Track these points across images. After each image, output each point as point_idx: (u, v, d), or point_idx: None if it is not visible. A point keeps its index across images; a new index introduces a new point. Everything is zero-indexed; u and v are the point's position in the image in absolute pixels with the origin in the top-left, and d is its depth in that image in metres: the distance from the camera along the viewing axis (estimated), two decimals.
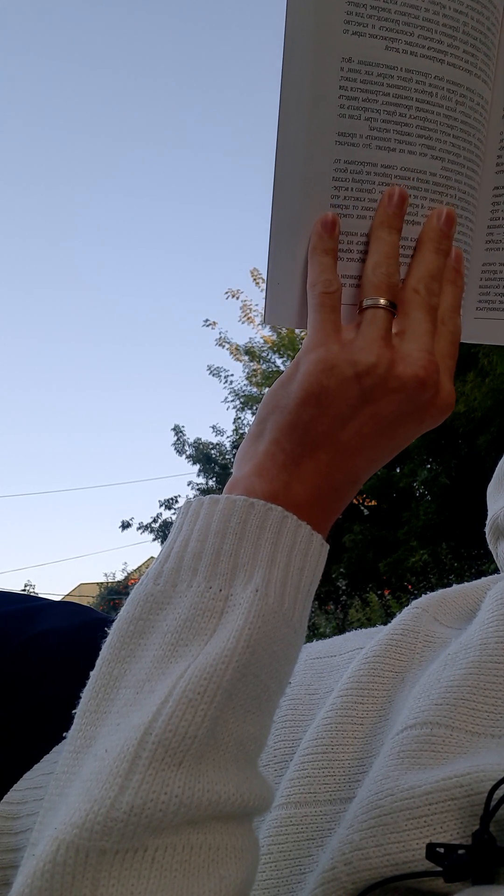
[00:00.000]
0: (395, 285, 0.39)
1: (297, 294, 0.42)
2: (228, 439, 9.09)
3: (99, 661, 0.33)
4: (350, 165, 0.39)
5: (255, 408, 8.78)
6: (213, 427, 9.17)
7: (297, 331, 8.53)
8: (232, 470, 0.40)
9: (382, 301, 0.38)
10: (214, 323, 8.89)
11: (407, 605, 0.53)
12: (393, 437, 0.38)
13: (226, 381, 8.86)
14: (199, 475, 9.18)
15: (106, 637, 0.34)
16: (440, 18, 0.38)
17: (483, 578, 0.55)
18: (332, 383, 0.37)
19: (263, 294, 0.43)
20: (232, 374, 8.93)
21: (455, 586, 0.55)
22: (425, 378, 0.37)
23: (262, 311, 0.43)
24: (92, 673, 0.32)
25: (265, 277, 0.42)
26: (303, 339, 8.65)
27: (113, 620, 0.34)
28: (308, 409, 0.37)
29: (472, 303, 0.46)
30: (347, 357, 0.37)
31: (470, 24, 0.39)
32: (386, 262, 0.39)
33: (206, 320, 8.91)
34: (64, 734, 0.31)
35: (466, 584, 0.55)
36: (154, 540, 9.34)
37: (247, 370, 8.86)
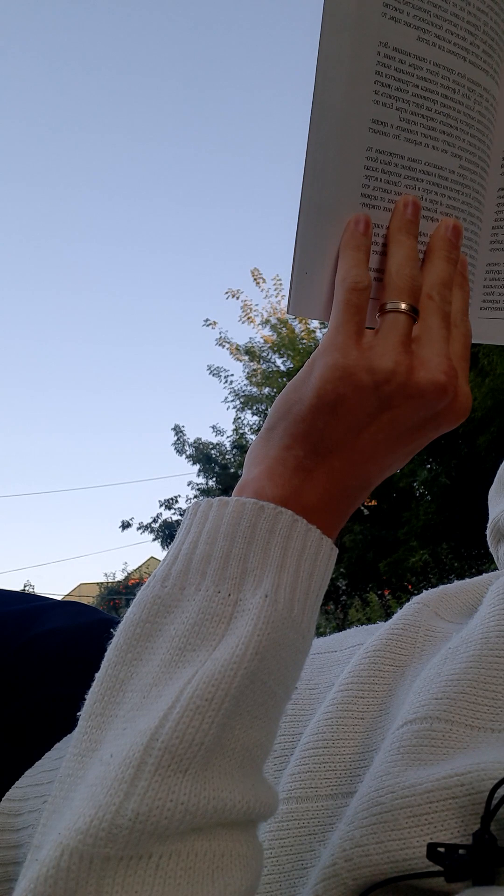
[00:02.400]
0: (419, 289, 0.39)
1: (325, 286, 0.40)
2: (228, 439, 9.10)
3: (104, 664, 0.32)
4: (381, 155, 0.39)
5: (255, 408, 8.79)
6: (213, 427, 9.19)
7: (297, 330, 8.53)
8: (232, 470, 0.40)
9: (404, 305, 0.38)
10: (214, 323, 8.91)
11: (408, 602, 0.53)
12: (409, 442, 0.38)
13: (226, 381, 8.88)
14: (199, 475, 9.19)
15: (111, 638, 0.33)
16: (465, 15, 0.38)
17: (484, 574, 0.55)
18: (350, 391, 0.36)
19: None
20: (232, 374, 8.97)
21: (456, 582, 0.55)
22: (446, 384, 0.36)
23: (287, 300, 0.41)
24: (97, 675, 0.32)
25: (291, 265, 0.40)
26: (303, 338, 8.62)
27: (117, 621, 0.34)
28: (322, 417, 0.36)
29: (477, 303, 0.46)
30: (366, 364, 0.36)
31: (489, 25, 0.39)
32: (408, 264, 0.39)
33: (206, 320, 8.94)
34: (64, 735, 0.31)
35: (467, 580, 0.55)
36: (154, 540, 9.35)
37: (247, 370, 8.86)
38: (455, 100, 0.39)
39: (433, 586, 0.55)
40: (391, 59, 0.37)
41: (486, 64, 0.39)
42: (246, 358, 8.84)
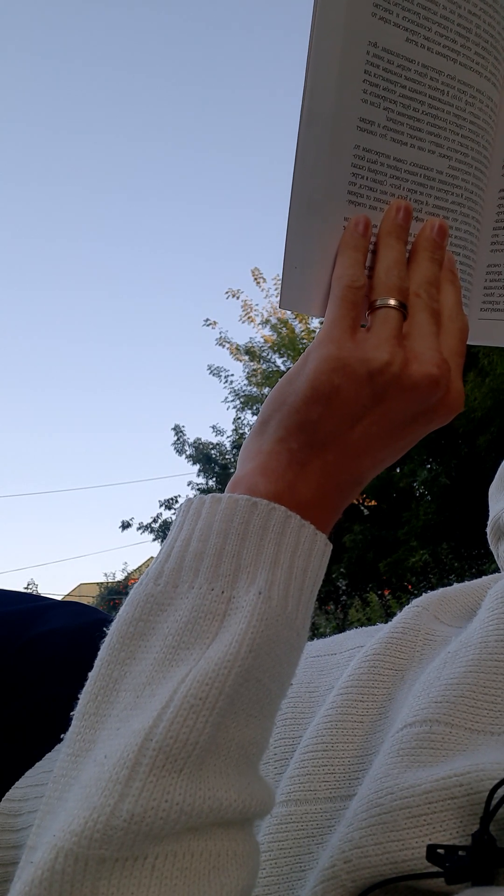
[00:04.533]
0: (407, 288, 0.39)
1: (315, 280, 0.40)
2: (228, 439, 9.09)
3: (98, 663, 0.32)
4: (367, 154, 0.39)
5: (255, 408, 8.78)
6: (213, 427, 9.17)
7: (297, 330, 8.53)
8: (232, 470, 0.40)
9: (393, 301, 0.38)
10: (214, 323, 8.90)
11: (407, 606, 0.53)
12: (402, 436, 0.38)
13: (226, 381, 8.86)
14: (199, 475, 9.18)
15: (105, 637, 0.33)
16: (455, 18, 0.38)
17: (483, 577, 0.55)
18: (344, 382, 0.36)
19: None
20: (232, 374, 8.94)
21: (456, 585, 0.55)
22: (438, 377, 0.37)
23: (278, 298, 0.42)
24: (90, 674, 0.32)
25: (282, 262, 0.40)
26: (303, 338, 8.62)
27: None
28: (317, 408, 0.36)
29: (477, 304, 0.46)
30: (360, 355, 0.36)
31: (482, 27, 0.39)
32: (397, 266, 0.39)
33: (206, 320, 8.92)
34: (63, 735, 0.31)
35: (467, 582, 0.55)
36: (154, 540, 9.34)
37: (247, 370, 8.85)
38: (444, 101, 0.39)
39: (433, 586, 0.55)
40: (380, 59, 0.38)
41: (479, 66, 0.40)
42: (246, 358, 8.84)
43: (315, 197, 0.39)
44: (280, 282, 0.41)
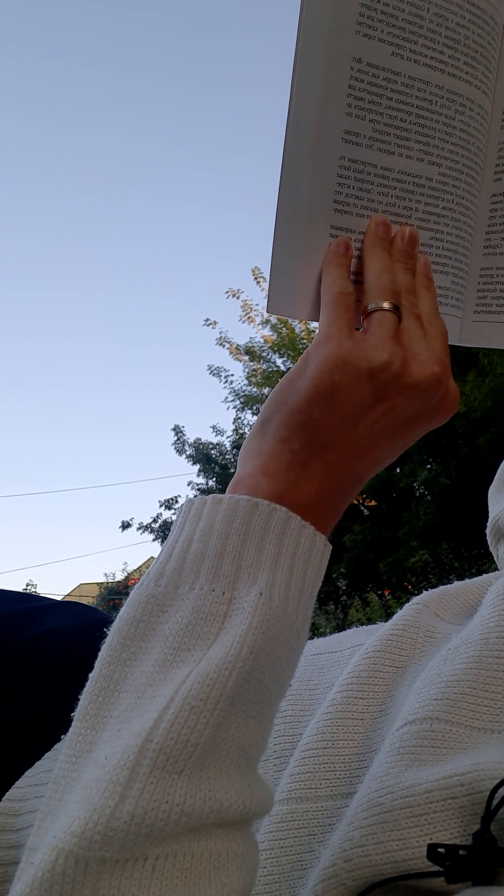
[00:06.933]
0: (399, 291, 0.40)
1: (301, 286, 0.42)
2: (228, 439, 9.09)
3: (98, 663, 0.32)
4: (353, 164, 0.40)
5: (255, 408, 8.78)
6: (213, 427, 9.17)
7: (297, 330, 8.53)
8: (232, 470, 0.40)
9: (387, 304, 0.39)
10: (214, 322, 8.88)
11: (408, 603, 0.53)
12: (402, 436, 0.39)
13: (226, 381, 8.86)
14: (199, 475, 9.18)
15: (105, 638, 0.33)
16: (442, 30, 0.39)
17: (484, 575, 0.55)
18: (345, 380, 0.36)
19: (267, 286, 0.43)
20: (232, 374, 8.94)
21: (456, 582, 0.55)
22: (441, 375, 0.37)
23: (266, 301, 0.43)
24: (91, 675, 0.32)
25: (269, 268, 0.42)
26: (303, 338, 8.63)
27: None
28: (319, 407, 0.37)
29: (471, 306, 0.47)
30: (361, 353, 0.37)
31: (471, 38, 0.40)
32: (386, 270, 0.40)
33: (207, 320, 8.91)
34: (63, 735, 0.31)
35: (468, 580, 0.55)
36: (154, 540, 9.34)
37: (247, 370, 8.85)
38: (432, 110, 0.41)
39: (433, 586, 0.55)
40: (364, 73, 0.39)
41: (468, 75, 0.41)
42: (246, 358, 8.83)
43: (301, 206, 0.40)
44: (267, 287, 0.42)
